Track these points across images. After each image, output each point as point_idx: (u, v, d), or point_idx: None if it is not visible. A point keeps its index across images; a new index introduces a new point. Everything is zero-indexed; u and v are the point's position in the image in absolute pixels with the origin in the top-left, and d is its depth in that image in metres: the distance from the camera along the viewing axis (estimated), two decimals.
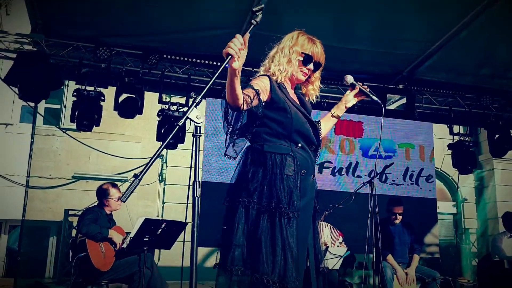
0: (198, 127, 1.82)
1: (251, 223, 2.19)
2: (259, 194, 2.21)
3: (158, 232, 3.89)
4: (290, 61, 2.46)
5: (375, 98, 2.51)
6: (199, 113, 1.80)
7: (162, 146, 1.81)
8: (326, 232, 4.63)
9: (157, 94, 6.04)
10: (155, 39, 5.72)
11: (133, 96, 5.86)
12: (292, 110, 2.36)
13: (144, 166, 1.69)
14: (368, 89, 2.57)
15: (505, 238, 6.00)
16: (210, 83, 1.82)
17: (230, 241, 2.17)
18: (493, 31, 5.43)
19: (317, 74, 2.56)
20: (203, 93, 1.81)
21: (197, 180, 1.76)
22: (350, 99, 2.61)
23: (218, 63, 6.02)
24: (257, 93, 2.25)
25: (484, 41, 5.63)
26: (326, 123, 2.64)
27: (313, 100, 2.61)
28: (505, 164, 10.37)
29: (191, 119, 1.78)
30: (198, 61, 6.01)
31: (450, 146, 7.00)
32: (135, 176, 1.61)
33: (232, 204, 2.28)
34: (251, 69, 6.14)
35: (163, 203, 10.90)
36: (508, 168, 10.60)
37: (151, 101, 6.31)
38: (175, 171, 10.86)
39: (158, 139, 6.05)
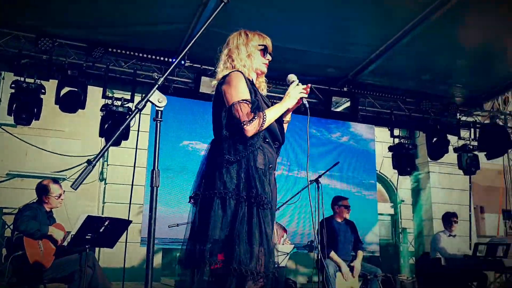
0: (160, 111, 1.75)
1: (229, 214, 2.19)
2: (236, 186, 2.22)
3: (101, 230, 3.75)
4: (251, 55, 2.52)
5: (306, 104, 2.54)
6: (161, 97, 1.74)
7: (121, 129, 1.72)
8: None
9: (101, 88, 5.84)
10: (101, 31, 5.53)
11: (76, 89, 5.64)
12: (263, 105, 2.42)
13: (99, 152, 1.60)
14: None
15: (444, 237, 6.27)
16: (170, 68, 1.76)
17: (206, 234, 2.16)
18: (434, 39, 5.67)
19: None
20: (165, 74, 1.75)
21: (155, 169, 1.69)
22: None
23: (166, 59, 5.92)
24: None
25: (425, 48, 5.85)
26: None
27: (264, 93, 2.65)
28: (441, 167, 10.86)
29: (152, 102, 1.72)
30: (145, 56, 5.88)
31: (390, 148, 7.24)
32: (88, 162, 1.53)
33: (204, 197, 2.27)
34: (200, 66, 6.11)
35: (104, 202, 10.56)
36: (443, 172, 11.10)
37: (93, 96, 6.08)
38: (116, 170, 10.55)
39: (101, 135, 5.86)
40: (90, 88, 5.85)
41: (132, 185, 6.28)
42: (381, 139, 9.48)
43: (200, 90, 5.97)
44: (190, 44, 1.91)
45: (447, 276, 5.41)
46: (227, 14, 5.14)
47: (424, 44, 5.77)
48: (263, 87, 2.66)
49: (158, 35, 5.62)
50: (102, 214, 10.39)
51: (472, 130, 7.58)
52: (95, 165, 1.54)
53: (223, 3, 1.93)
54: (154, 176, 1.67)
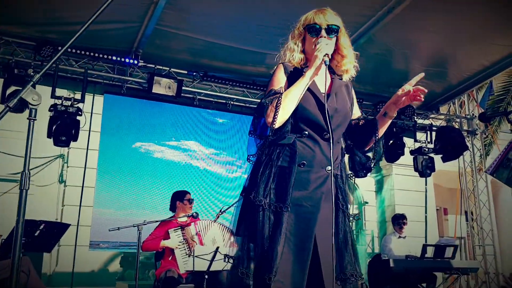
0: (34, 110, 1.65)
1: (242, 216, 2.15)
2: (257, 189, 2.08)
3: (36, 234, 3.62)
4: (298, 42, 2.26)
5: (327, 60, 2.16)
6: (37, 95, 1.64)
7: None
8: (215, 231, 4.56)
9: (50, 87, 5.67)
10: (51, 29, 5.39)
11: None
12: (302, 96, 2.14)
13: None
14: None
15: (394, 239, 6.34)
16: (56, 57, 1.67)
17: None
18: (389, 42, 5.72)
19: (343, 41, 2.28)
20: (43, 71, 1.66)
21: (26, 171, 1.60)
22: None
23: (118, 58, 5.81)
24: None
25: (381, 51, 5.90)
26: (382, 122, 2.42)
27: (353, 74, 2.35)
28: (402, 169, 10.98)
29: (26, 101, 1.62)
30: (97, 55, 5.76)
31: (347, 151, 7.25)
32: None
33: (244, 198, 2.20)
34: (153, 66, 6.01)
35: (63, 205, 10.30)
36: (404, 173, 11.22)
37: (42, 95, 5.90)
38: (77, 172, 10.29)
39: (49, 136, 5.68)
40: (38, 87, 5.67)
41: (83, 187, 6.19)
42: None
43: (153, 91, 5.87)
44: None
45: (396, 277, 5.46)
46: (179, 13, 5.11)
47: (380, 47, 5.83)
48: (346, 68, 2.30)
49: (110, 35, 5.50)
50: (62, 217, 10.15)
51: (428, 133, 7.68)
52: None
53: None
54: (24, 178, 1.58)
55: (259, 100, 6.43)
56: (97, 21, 5.53)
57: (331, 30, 2.23)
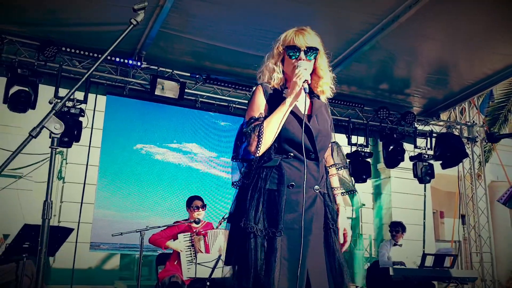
0: (55, 139, 1.64)
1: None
2: (241, 215, 2.06)
3: (40, 238, 3.62)
4: (276, 63, 2.26)
5: (306, 88, 2.16)
6: (58, 123, 1.63)
7: (11, 158, 1.61)
8: (221, 240, 4.59)
9: (53, 87, 5.67)
10: (55, 30, 5.38)
11: (26, 89, 5.46)
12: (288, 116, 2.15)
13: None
14: None
15: (390, 246, 6.37)
16: (79, 84, 1.67)
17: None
18: (392, 49, 5.74)
19: (320, 63, 2.27)
20: (64, 100, 1.66)
21: (48, 200, 1.59)
22: None
23: (121, 60, 5.80)
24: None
25: (384, 57, 5.93)
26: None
27: (330, 94, 2.34)
28: (400, 172, 11.00)
29: (48, 129, 1.61)
30: (100, 56, 5.73)
31: (347, 156, 7.29)
32: None
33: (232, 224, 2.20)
34: (156, 67, 6.01)
35: (61, 202, 10.29)
36: (403, 177, 11.25)
37: (46, 95, 5.89)
38: (75, 169, 10.28)
39: (50, 146, 5.66)
40: (41, 87, 5.68)
41: (84, 184, 6.18)
42: (342, 144, 9.55)
43: (156, 93, 5.87)
44: None
45: (396, 285, 5.48)
46: (184, 16, 5.12)
47: (383, 54, 5.85)
48: (323, 90, 2.30)
49: (114, 36, 5.47)
50: (60, 213, 10.14)
51: (429, 139, 7.71)
52: None
53: (132, 25, 1.85)
54: (47, 208, 1.58)
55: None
56: (102, 23, 5.56)
57: (310, 53, 2.23)
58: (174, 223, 4.84)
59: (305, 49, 2.22)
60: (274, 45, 2.31)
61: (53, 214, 10.15)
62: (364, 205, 12.03)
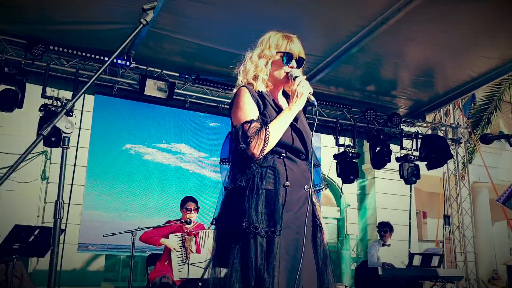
0: (67, 138, 1.63)
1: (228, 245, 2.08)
2: (240, 215, 2.04)
3: (30, 239, 3.59)
4: (262, 67, 2.26)
5: (314, 100, 2.24)
6: (69, 123, 1.62)
7: (21, 158, 1.60)
8: (212, 240, 4.58)
9: (40, 87, 5.59)
10: (42, 28, 5.31)
11: (13, 88, 5.38)
12: (272, 119, 2.18)
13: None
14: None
15: (378, 246, 6.45)
16: (87, 86, 1.66)
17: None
18: (379, 52, 5.80)
19: (300, 70, 2.32)
20: (75, 99, 1.64)
21: (60, 200, 1.58)
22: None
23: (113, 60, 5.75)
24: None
25: (371, 60, 5.99)
26: None
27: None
28: (385, 173, 11.14)
29: (60, 129, 1.60)
30: (89, 55, 5.69)
31: (335, 156, 7.35)
32: None
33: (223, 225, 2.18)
34: (145, 67, 5.98)
35: (45, 202, 10.16)
36: (388, 178, 11.40)
37: (33, 94, 5.82)
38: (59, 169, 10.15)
39: (61, 146, 5.58)
40: (29, 86, 5.61)
41: (72, 184, 6.10)
42: (329, 144, 9.61)
43: (145, 92, 5.83)
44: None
45: (384, 285, 5.55)
46: (174, 16, 5.10)
47: (371, 56, 5.90)
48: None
49: (103, 35, 5.45)
50: (43, 214, 10.01)
51: (414, 140, 7.82)
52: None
53: (141, 25, 1.84)
54: (58, 208, 1.57)
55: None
56: (91, 22, 5.51)
57: (301, 62, 2.31)
58: (166, 222, 4.83)
59: (297, 58, 2.29)
60: (261, 46, 2.32)
61: (37, 215, 10.03)
62: (349, 205, 12.14)
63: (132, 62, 5.89)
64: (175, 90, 6.07)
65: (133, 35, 1.85)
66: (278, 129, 2.13)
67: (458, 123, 8.43)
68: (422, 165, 7.73)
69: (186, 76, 6.26)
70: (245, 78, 2.29)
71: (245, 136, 2.08)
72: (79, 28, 5.33)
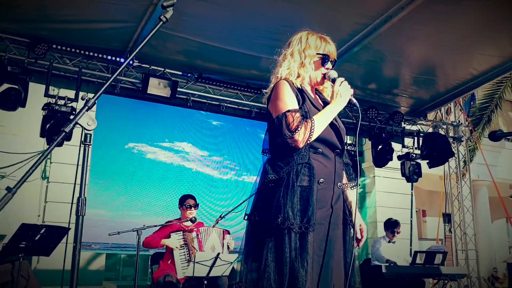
0: (89, 135, 1.64)
1: (262, 241, 2.09)
2: (275, 211, 2.05)
3: (37, 238, 3.58)
4: (304, 65, 2.31)
5: (356, 102, 2.32)
6: (91, 119, 1.62)
7: (44, 156, 1.60)
8: (214, 237, 4.60)
9: (43, 86, 5.59)
10: (45, 27, 5.30)
11: (16, 87, 5.37)
12: (312, 114, 2.20)
13: (20, 179, 1.48)
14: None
15: (383, 242, 6.46)
16: (108, 83, 1.66)
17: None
18: (381, 50, 5.81)
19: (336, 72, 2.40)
20: (97, 95, 1.64)
21: (82, 197, 1.58)
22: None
23: (113, 58, 5.76)
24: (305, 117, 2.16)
25: (373, 58, 6.00)
26: None
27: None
28: (386, 172, 11.14)
29: (81, 126, 1.60)
30: (92, 54, 5.69)
31: (357, 161, 7.33)
32: (8, 189, 1.41)
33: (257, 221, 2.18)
34: (148, 66, 5.98)
35: (45, 202, 10.14)
36: (389, 176, 11.40)
37: (36, 93, 5.81)
38: (60, 168, 10.14)
39: (42, 135, 5.60)
40: (32, 85, 5.60)
41: (75, 184, 6.11)
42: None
43: (148, 91, 5.84)
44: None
45: (387, 282, 5.56)
46: (177, 15, 5.10)
47: (373, 54, 5.91)
48: (328, 92, 2.41)
49: (106, 34, 5.45)
50: (44, 213, 9.99)
51: (416, 138, 7.83)
52: (15, 193, 1.44)
53: (162, 22, 1.85)
54: (80, 204, 1.57)
55: (253, 103, 6.51)
56: (93, 20, 5.51)
57: (334, 63, 2.39)
58: (166, 222, 4.83)
59: (333, 60, 2.38)
60: (299, 45, 2.36)
61: (37, 214, 10.00)
62: None
63: (135, 61, 5.90)
64: (178, 89, 6.08)
65: (153, 32, 1.84)
66: (322, 122, 2.17)
67: (459, 121, 8.45)
68: (423, 164, 7.75)
69: (189, 75, 6.27)
70: (284, 73, 2.32)
71: (291, 124, 2.10)
72: (82, 26, 5.32)
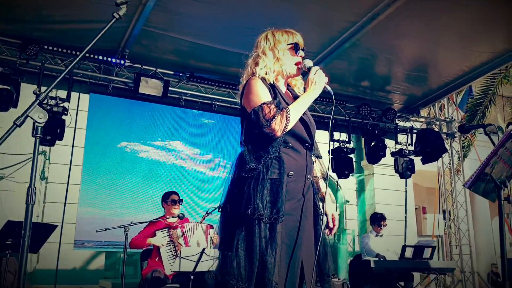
0: (39, 127, 1.69)
1: (231, 231, 2.15)
2: (246, 202, 2.12)
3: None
4: (278, 59, 2.34)
5: (330, 89, 2.29)
6: (42, 112, 1.68)
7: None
8: (199, 233, 4.65)
9: (35, 86, 5.65)
10: (37, 28, 5.37)
11: (8, 87, 5.44)
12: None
13: None
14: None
15: (371, 236, 6.49)
16: (61, 77, 1.70)
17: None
18: (373, 47, 5.85)
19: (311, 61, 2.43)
20: (50, 88, 1.70)
21: (32, 186, 1.64)
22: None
23: (104, 58, 5.81)
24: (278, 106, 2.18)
25: (365, 55, 6.03)
26: None
27: (301, 92, 2.47)
28: (383, 169, 11.16)
29: (32, 118, 1.66)
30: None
31: (330, 152, 7.38)
32: None
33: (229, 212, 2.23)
34: (140, 66, 6.03)
35: (44, 202, 10.20)
36: (385, 173, 11.41)
37: (28, 93, 5.88)
38: (59, 169, 10.21)
39: (34, 135, 5.64)
40: (23, 86, 5.66)
41: (68, 184, 6.17)
42: (326, 140, 9.62)
43: (140, 91, 5.89)
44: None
45: (376, 276, 5.60)
46: (167, 14, 5.15)
47: (363, 52, 5.94)
48: (299, 85, 2.48)
49: (97, 33, 5.49)
50: (43, 214, 10.06)
51: (409, 135, 7.85)
52: None
53: (114, 19, 1.90)
54: (30, 194, 1.63)
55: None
56: (85, 20, 5.55)
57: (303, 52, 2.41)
58: (150, 221, 4.87)
59: (302, 48, 2.41)
60: (268, 42, 2.38)
61: (36, 215, 10.07)
62: (348, 201, 12.16)
63: (127, 61, 5.95)
64: (170, 88, 6.13)
65: (104, 30, 1.90)
66: (297, 111, 2.20)
67: (452, 117, 8.47)
68: (418, 161, 7.77)
69: (181, 74, 6.32)
70: (262, 72, 2.33)
71: (267, 115, 2.14)
72: (73, 27, 5.37)
